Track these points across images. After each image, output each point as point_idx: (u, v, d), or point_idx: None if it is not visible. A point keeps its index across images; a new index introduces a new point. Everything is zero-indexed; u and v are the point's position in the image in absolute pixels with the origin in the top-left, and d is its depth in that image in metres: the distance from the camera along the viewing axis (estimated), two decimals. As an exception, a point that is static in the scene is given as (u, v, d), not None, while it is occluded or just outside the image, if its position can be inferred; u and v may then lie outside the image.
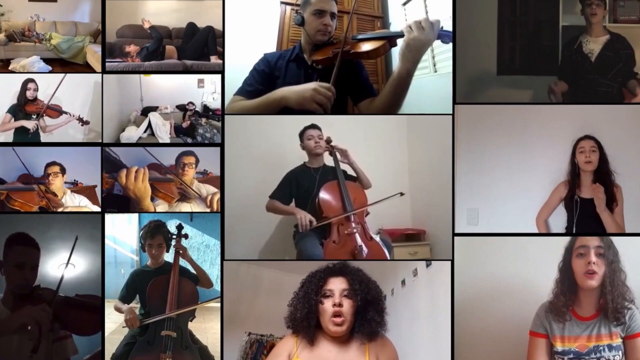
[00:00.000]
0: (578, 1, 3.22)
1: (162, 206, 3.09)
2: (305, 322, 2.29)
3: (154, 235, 3.06)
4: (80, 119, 3.22)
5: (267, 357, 2.42)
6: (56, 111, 3.25)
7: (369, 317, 2.27)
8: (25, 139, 3.20)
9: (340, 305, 2.26)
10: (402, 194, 3.27)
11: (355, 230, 3.11)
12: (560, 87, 3.20)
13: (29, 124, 3.21)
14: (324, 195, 3.20)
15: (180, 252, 3.07)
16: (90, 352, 2.92)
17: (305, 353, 2.29)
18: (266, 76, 2.93)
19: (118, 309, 3.03)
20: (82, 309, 2.80)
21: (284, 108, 2.82)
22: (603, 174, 3.03)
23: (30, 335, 2.54)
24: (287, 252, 3.35)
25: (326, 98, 2.65)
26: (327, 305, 2.27)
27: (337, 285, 2.30)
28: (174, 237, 3.09)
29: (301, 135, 3.33)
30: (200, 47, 3.37)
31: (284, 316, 2.39)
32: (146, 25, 3.36)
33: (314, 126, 3.31)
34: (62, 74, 3.20)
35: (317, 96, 2.65)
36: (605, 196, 2.98)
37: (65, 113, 3.24)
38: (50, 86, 3.19)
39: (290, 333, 2.39)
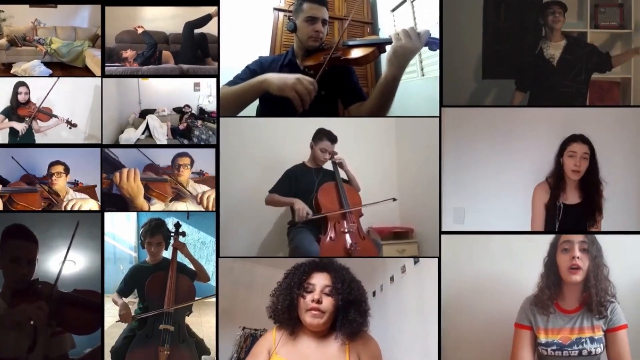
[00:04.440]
0: (539, 9, 3.30)
1: (158, 205, 3.13)
2: (286, 314, 2.27)
3: (154, 233, 3.10)
4: (68, 122, 3.25)
5: (247, 357, 2.39)
6: (47, 115, 3.26)
7: (350, 317, 2.22)
8: (16, 140, 3.22)
9: (319, 301, 2.22)
10: (394, 199, 3.42)
11: (350, 229, 3.18)
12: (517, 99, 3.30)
13: (19, 126, 3.22)
14: (322, 194, 3.27)
15: (179, 249, 3.11)
16: (89, 346, 2.94)
17: (285, 349, 2.26)
18: (256, 76, 2.92)
19: (115, 302, 3.06)
20: (80, 307, 2.81)
21: (273, 105, 2.89)
22: (590, 182, 2.95)
23: (27, 332, 2.57)
24: (280, 250, 3.41)
25: (307, 90, 2.66)
26: (307, 300, 2.23)
27: (319, 280, 2.27)
28: (172, 234, 3.13)
29: (318, 138, 3.36)
30: (193, 49, 3.41)
31: (265, 305, 2.36)
32: (139, 31, 3.38)
33: (333, 139, 3.34)
34: (57, 78, 3.23)
35: (299, 85, 2.66)
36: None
37: (55, 116, 3.26)
38: (48, 89, 3.23)
39: (269, 330, 2.38)
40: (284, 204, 3.35)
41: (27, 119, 3.25)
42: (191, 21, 3.31)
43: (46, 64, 3.40)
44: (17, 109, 3.25)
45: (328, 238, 3.15)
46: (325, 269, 2.31)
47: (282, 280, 2.36)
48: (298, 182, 3.35)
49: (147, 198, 3.09)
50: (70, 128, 3.26)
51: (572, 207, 2.99)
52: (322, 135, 3.34)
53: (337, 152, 3.38)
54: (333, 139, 3.35)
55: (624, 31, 3.40)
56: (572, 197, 3.00)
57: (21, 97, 3.24)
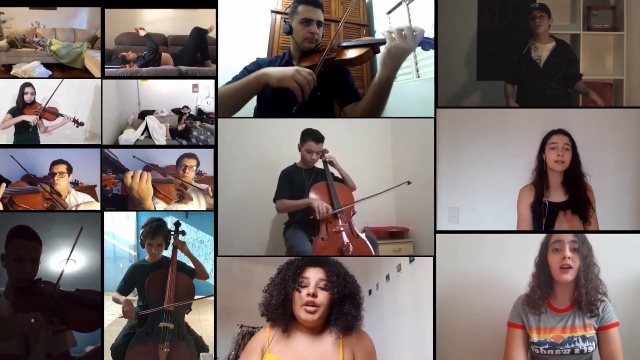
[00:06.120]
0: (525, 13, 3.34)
1: (159, 205, 3.14)
2: (281, 310, 2.24)
3: (155, 235, 3.12)
4: (75, 121, 3.26)
5: (241, 355, 2.37)
6: (53, 114, 3.28)
7: (345, 310, 2.21)
8: (27, 134, 3.24)
9: (314, 295, 2.20)
10: (409, 183, 3.36)
11: (342, 229, 3.19)
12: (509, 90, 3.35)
13: (30, 118, 3.24)
14: (313, 194, 3.27)
15: (179, 247, 3.13)
16: (90, 343, 2.96)
17: (278, 347, 2.23)
18: None
19: (116, 300, 3.09)
20: (82, 305, 2.82)
21: (270, 106, 2.92)
22: (574, 176, 2.93)
23: (29, 331, 2.60)
24: (278, 249, 3.41)
25: (306, 80, 2.69)
26: (302, 294, 2.21)
27: (314, 274, 2.25)
28: (172, 233, 3.15)
29: (303, 139, 3.32)
30: (195, 52, 3.43)
31: (258, 302, 2.33)
32: (141, 33, 3.39)
33: (318, 139, 3.29)
34: (61, 79, 3.25)
35: (298, 76, 2.69)
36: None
37: (62, 115, 3.28)
38: (50, 90, 3.24)
39: (262, 328, 2.35)
40: (299, 207, 3.28)
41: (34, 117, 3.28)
42: (200, 29, 3.36)
43: (46, 65, 3.42)
44: (23, 109, 3.27)
45: (320, 238, 3.16)
46: (319, 264, 2.30)
47: (275, 275, 2.35)
48: (291, 183, 3.34)
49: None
50: (77, 127, 3.28)
51: (559, 205, 2.96)
52: (307, 136, 3.30)
53: (327, 150, 3.37)
54: (318, 138, 3.29)
55: (617, 33, 3.43)
56: (557, 194, 2.97)
57: (27, 98, 3.27)
